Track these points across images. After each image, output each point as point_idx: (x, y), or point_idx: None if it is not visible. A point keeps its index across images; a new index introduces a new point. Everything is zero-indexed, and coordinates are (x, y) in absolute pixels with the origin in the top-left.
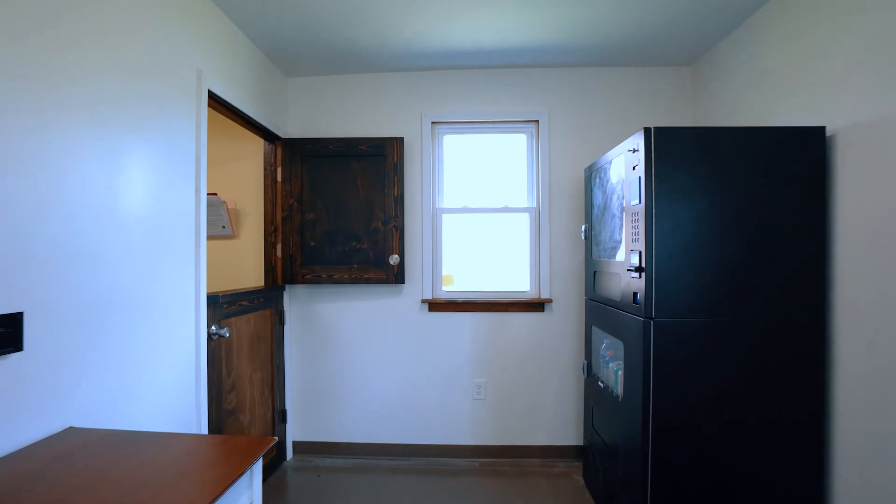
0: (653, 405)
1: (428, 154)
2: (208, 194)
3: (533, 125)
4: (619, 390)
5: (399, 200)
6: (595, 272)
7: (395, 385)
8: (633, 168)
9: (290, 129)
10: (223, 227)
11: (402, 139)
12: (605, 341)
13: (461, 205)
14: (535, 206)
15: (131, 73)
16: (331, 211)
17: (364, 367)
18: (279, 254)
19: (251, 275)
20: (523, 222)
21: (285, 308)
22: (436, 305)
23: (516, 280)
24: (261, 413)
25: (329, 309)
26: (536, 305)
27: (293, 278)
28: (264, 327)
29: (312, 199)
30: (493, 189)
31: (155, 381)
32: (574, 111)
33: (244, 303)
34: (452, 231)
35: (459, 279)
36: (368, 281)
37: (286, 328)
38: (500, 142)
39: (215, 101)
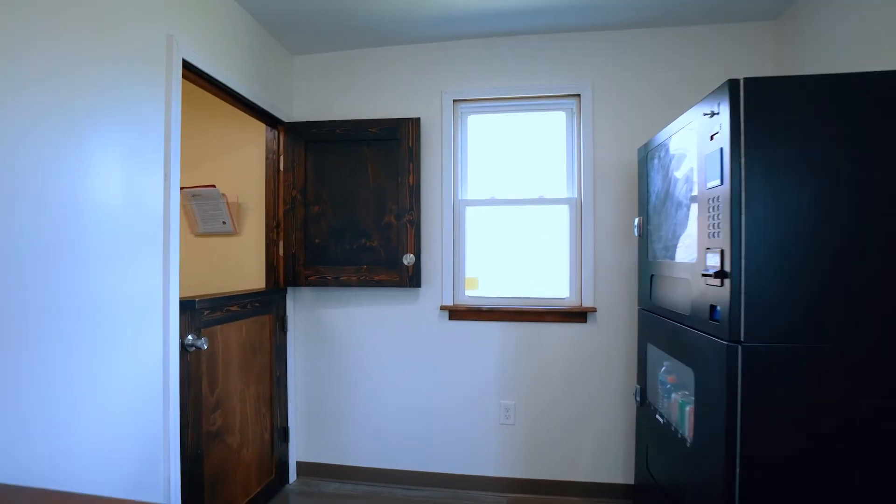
0: (740, 461)
1: (449, 137)
2: (206, 186)
3: (573, 100)
4: (687, 431)
5: (415, 191)
6: (652, 276)
7: (410, 403)
8: (712, 137)
9: (295, 112)
10: (223, 222)
11: (418, 120)
12: (664, 364)
13: (488, 196)
14: (575, 196)
15: (77, 37)
16: (338, 204)
17: (376, 382)
18: (281, 252)
19: (255, 275)
20: (561, 216)
21: (288, 313)
22: (457, 313)
23: (553, 284)
24: (256, 433)
25: (336, 315)
26: (577, 315)
27: (296, 280)
28: (261, 335)
29: (317, 190)
30: (526, 177)
31: (108, 405)
32: (624, 81)
33: (233, 308)
34: (477, 227)
35: (485, 283)
36: (379, 284)
37: (290, 336)
38: (534, 122)
39: (199, 77)
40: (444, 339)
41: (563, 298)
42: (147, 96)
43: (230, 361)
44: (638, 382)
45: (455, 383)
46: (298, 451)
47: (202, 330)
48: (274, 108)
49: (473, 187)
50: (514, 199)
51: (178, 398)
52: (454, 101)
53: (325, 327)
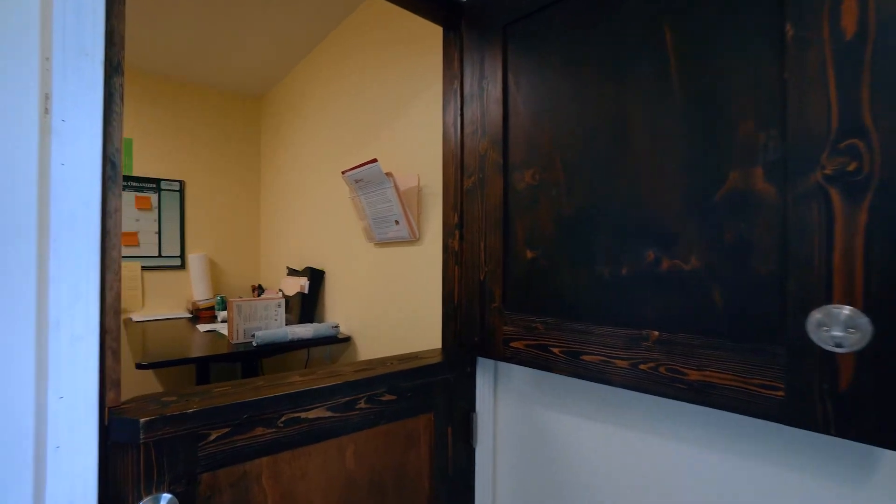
0: None
1: None
2: (365, 164)
3: None
4: None
5: (859, 59)
6: None
7: None
8: None
9: None
10: (396, 222)
11: None
12: None
13: None
14: None
15: None
16: (578, 158)
17: None
18: (459, 276)
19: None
20: None
21: (480, 409)
22: None
23: None
24: None
25: (581, 431)
26: None
27: (486, 343)
28: (404, 458)
29: (530, 133)
30: None
31: None
32: None
33: (310, 414)
34: None
35: None
36: (708, 395)
37: (482, 452)
38: None
39: None
40: None
41: None
42: None
43: None
44: None
45: None
46: None
47: (204, 476)
48: None
49: None
50: None
51: None
52: None
53: (559, 451)
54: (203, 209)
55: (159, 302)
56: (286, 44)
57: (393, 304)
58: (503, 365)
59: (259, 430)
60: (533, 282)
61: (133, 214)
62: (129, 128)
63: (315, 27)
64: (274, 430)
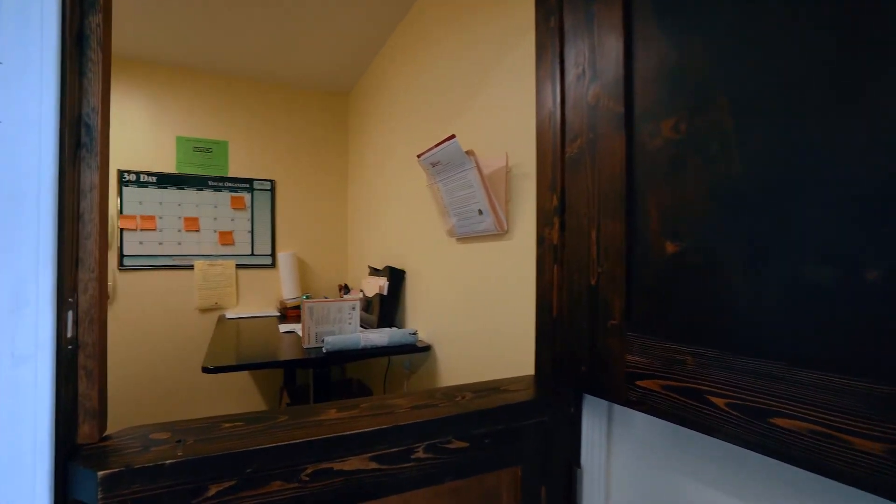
0: None
1: None
2: (443, 142)
3: None
4: None
5: None
6: None
7: None
8: None
9: None
10: (480, 211)
11: None
12: None
13: None
14: None
15: None
16: (760, 89)
17: None
18: (559, 279)
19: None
20: None
21: (586, 461)
22: None
23: None
24: None
25: None
26: None
27: (597, 377)
28: None
29: (670, 62)
30: None
31: None
32: None
33: (349, 464)
34: None
35: None
36: None
37: None
38: None
39: None
40: None
41: None
42: None
43: None
44: None
45: None
46: None
47: None
48: None
49: None
50: None
51: None
52: None
53: None
54: (292, 208)
55: (252, 300)
56: (366, 31)
57: (477, 311)
58: (620, 406)
59: (276, 485)
60: (676, 289)
61: (229, 214)
62: (224, 131)
63: (393, 7)
64: (297, 484)
